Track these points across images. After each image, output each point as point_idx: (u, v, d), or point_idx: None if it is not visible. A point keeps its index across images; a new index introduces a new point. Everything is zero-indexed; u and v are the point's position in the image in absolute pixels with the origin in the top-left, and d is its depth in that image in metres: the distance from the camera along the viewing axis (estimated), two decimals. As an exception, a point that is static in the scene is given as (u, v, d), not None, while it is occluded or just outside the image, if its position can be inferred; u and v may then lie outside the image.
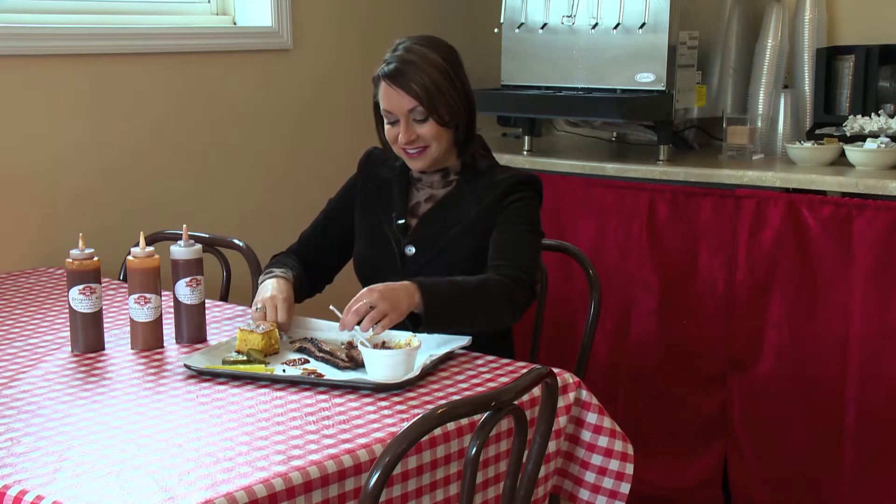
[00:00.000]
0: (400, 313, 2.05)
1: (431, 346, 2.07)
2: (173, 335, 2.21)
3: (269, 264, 2.39)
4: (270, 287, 2.23)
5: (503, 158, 3.48)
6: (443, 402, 1.76)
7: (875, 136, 3.04)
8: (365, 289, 2.08)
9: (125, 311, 2.38)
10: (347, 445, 1.63)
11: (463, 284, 2.16)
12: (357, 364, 2.00)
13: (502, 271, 2.20)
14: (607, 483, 2.01)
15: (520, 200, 2.32)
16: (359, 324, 2.03)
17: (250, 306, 2.57)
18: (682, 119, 3.37)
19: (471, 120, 2.34)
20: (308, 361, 2.04)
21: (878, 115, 3.09)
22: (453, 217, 2.32)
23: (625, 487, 2.01)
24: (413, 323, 2.13)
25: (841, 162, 3.06)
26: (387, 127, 2.31)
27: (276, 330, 2.13)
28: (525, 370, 1.86)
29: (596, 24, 3.30)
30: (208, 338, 2.22)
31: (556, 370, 1.89)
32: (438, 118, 2.25)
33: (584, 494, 2.04)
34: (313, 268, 2.45)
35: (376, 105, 2.33)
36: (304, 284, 2.39)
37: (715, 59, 3.40)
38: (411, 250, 2.33)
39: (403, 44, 2.29)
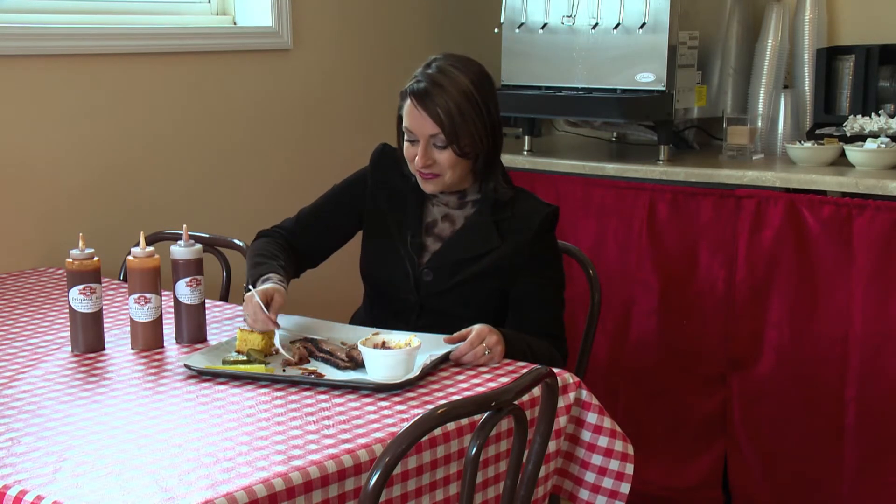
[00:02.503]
0: (499, 361, 2.09)
1: (431, 346, 2.07)
2: (173, 335, 2.21)
3: (258, 256, 2.29)
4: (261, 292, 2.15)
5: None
6: (443, 402, 1.76)
7: (875, 136, 3.04)
8: (487, 329, 2.08)
9: (125, 311, 2.38)
10: (347, 445, 1.63)
11: (534, 351, 2.18)
12: (357, 364, 2.00)
13: (553, 343, 2.27)
14: (607, 483, 2.01)
15: (549, 249, 2.31)
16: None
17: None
18: (683, 119, 3.37)
19: (495, 149, 2.28)
20: (308, 361, 2.04)
21: (878, 115, 3.09)
22: (475, 246, 2.27)
23: (625, 488, 2.01)
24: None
25: (841, 162, 3.06)
26: (406, 144, 2.27)
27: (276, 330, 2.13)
28: (525, 370, 1.86)
29: (596, 24, 3.30)
30: (208, 338, 2.22)
31: (556, 370, 1.89)
32: (458, 149, 2.20)
33: (584, 494, 2.04)
34: (303, 250, 2.40)
35: (399, 118, 2.28)
36: (290, 275, 2.32)
37: (715, 59, 3.40)
38: (429, 275, 2.29)
39: (437, 62, 2.23)
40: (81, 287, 2.11)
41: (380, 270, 2.36)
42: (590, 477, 2.02)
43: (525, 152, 3.54)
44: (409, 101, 2.23)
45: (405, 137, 2.27)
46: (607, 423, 2.01)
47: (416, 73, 2.24)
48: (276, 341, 2.09)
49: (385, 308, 2.34)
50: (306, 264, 2.43)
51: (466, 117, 2.19)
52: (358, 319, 2.43)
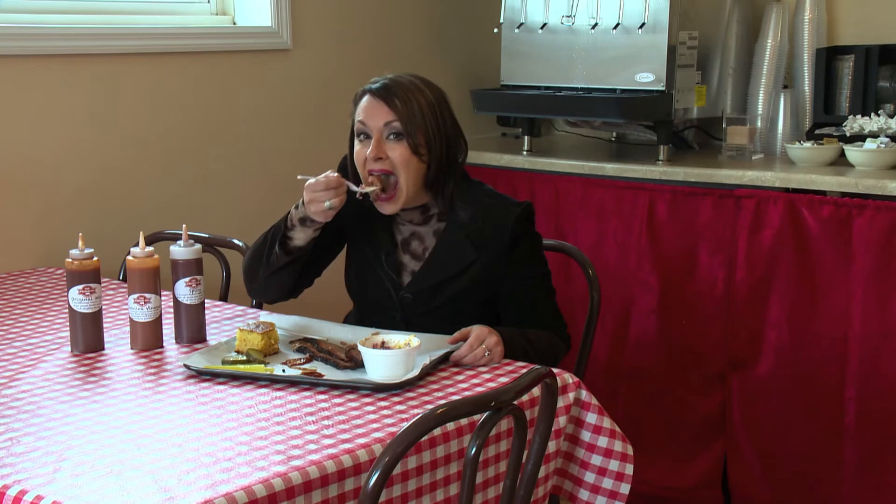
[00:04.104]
0: (499, 361, 2.09)
1: (431, 346, 2.07)
2: (173, 335, 2.21)
3: (268, 230, 2.28)
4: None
5: (503, 158, 3.49)
6: (443, 402, 1.76)
7: (875, 136, 3.04)
8: (487, 331, 2.08)
9: (125, 311, 2.38)
10: (347, 445, 1.63)
11: (533, 344, 2.19)
12: (357, 364, 2.00)
13: (553, 332, 2.27)
14: (607, 483, 2.01)
15: (529, 247, 2.27)
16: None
17: (250, 306, 2.57)
18: (682, 119, 3.37)
19: (448, 162, 2.21)
20: (308, 361, 2.04)
21: (878, 115, 3.09)
22: (452, 266, 2.23)
23: (624, 488, 2.01)
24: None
25: (840, 162, 3.06)
26: (357, 147, 2.21)
27: (276, 330, 2.13)
28: (525, 370, 1.86)
29: (596, 24, 3.30)
30: (208, 338, 2.22)
31: (555, 370, 1.89)
32: (412, 143, 2.15)
33: (583, 495, 2.04)
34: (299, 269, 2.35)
35: (353, 130, 2.23)
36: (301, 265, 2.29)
37: (715, 59, 3.40)
38: (410, 299, 2.26)
39: (394, 74, 2.22)
40: (81, 287, 2.11)
41: (362, 290, 2.35)
42: (589, 477, 2.02)
43: (525, 152, 3.54)
44: (365, 98, 2.20)
45: (357, 138, 2.21)
46: (607, 423, 2.01)
47: (373, 79, 2.22)
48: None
49: (375, 323, 2.31)
50: (303, 283, 2.38)
51: (424, 114, 2.16)
52: (350, 324, 2.42)
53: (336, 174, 2.15)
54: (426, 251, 2.28)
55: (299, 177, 2.19)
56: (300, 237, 2.21)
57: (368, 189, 2.17)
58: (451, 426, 1.73)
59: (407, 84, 2.19)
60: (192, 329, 2.20)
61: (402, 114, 2.15)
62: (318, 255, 2.33)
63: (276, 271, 2.25)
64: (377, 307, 2.31)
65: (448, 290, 2.25)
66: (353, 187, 2.17)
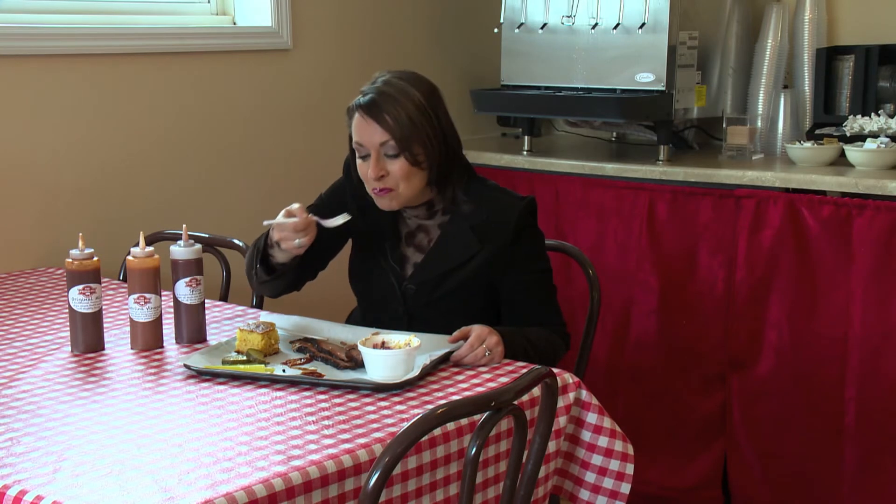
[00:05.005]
0: (499, 361, 2.09)
1: (431, 346, 2.07)
2: (173, 335, 2.21)
3: (257, 240, 2.29)
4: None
5: (503, 158, 3.49)
6: (443, 402, 1.76)
7: (875, 136, 3.04)
8: (487, 331, 2.08)
9: (125, 311, 2.38)
10: (347, 445, 1.63)
11: (533, 343, 2.19)
12: (357, 364, 2.00)
13: (553, 330, 2.28)
14: (607, 483, 2.01)
15: (532, 242, 2.28)
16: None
17: (250, 306, 2.58)
18: (682, 119, 3.37)
19: (448, 158, 2.22)
20: (308, 361, 2.04)
21: (878, 115, 3.09)
22: (455, 256, 2.24)
23: (625, 488, 2.01)
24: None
25: (841, 162, 3.06)
26: (358, 162, 2.21)
27: (276, 330, 2.13)
28: (525, 370, 1.86)
29: (596, 25, 3.30)
30: (208, 338, 2.22)
31: (555, 370, 1.89)
32: (410, 157, 2.15)
33: (584, 495, 2.04)
34: (300, 262, 2.34)
35: (351, 138, 2.24)
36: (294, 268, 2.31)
37: (715, 59, 3.40)
38: (413, 290, 2.27)
39: (383, 77, 2.21)
40: (81, 287, 2.11)
41: (366, 283, 2.35)
42: (590, 477, 2.02)
43: (525, 152, 3.54)
44: (356, 116, 2.19)
45: (357, 155, 2.22)
46: (607, 423, 2.01)
47: (363, 88, 2.21)
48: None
49: (377, 317, 2.32)
50: (306, 276, 2.39)
51: (417, 124, 2.15)
52: (353, 321, 2.43)
53: (305, 216, 2.13)
54: (431, 243, 2.29)
55: (265, 223, 2.17)
56: (281, 257, 2.23)
57: (340, 221, 2.16)
58: (451, 426, 1.73)
59: (394, 94, 2.16)
60: (192, 329, 2.20)
61: (394, 131, 2.14)
62: (323, 250, 2.34)
63: (265, 282, 2.29)
64: (380, 300, 2.31)
65: (451, 280, 2.25)
66: (323, 222, 2.15)
